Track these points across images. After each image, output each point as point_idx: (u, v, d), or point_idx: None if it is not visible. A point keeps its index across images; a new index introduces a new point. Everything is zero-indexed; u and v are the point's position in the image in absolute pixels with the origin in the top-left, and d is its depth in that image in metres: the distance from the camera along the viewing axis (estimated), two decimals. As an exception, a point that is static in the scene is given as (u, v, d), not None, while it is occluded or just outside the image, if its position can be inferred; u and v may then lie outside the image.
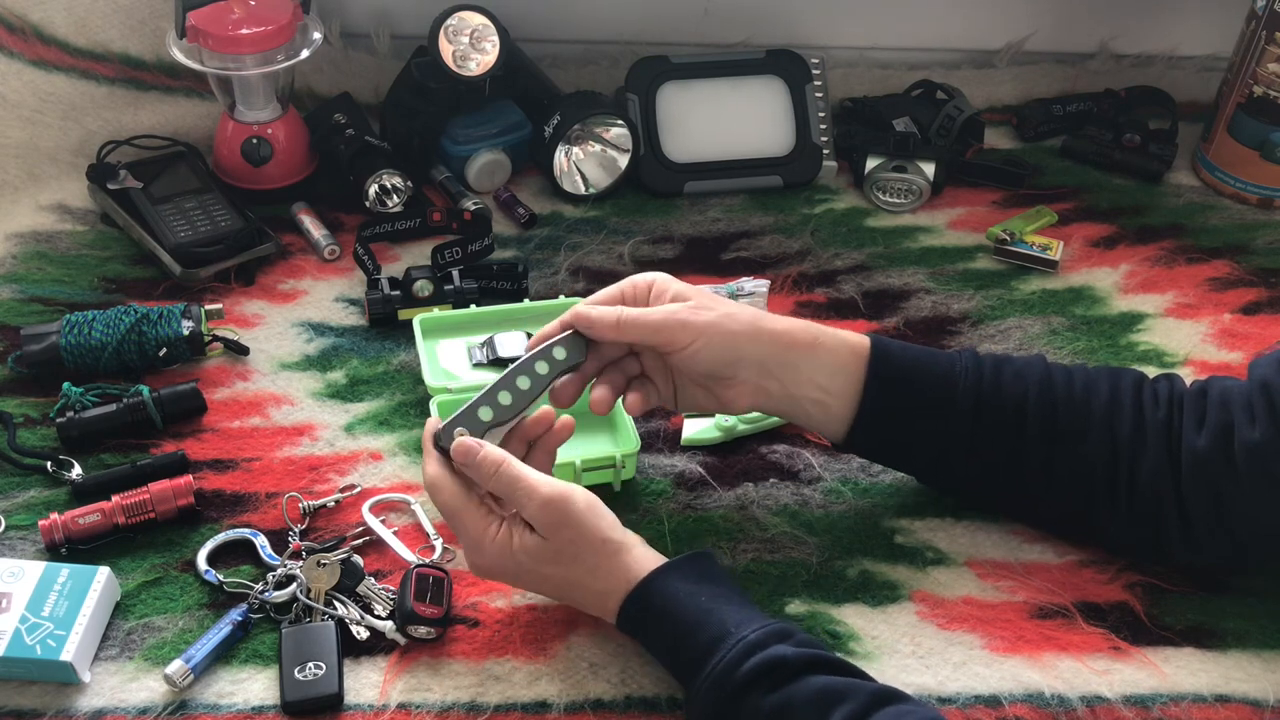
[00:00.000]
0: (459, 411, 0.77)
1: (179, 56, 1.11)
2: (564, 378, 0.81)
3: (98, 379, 0.97)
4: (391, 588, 0.82)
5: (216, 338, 1.00)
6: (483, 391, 0.78)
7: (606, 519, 0.75)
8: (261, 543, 0.85)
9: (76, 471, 0.89)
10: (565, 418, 0.81)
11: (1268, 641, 0.81)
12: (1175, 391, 0.81)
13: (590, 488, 0.88)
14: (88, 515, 0.84)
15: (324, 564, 0.82)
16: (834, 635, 0.80)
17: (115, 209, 1.11)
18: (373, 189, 1.15)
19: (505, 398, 0.78)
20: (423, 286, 1.03)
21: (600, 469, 0.89)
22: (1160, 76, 1.36)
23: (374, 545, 0.86)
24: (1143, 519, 0.80)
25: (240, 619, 0.79)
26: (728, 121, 1.23)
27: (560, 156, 1.19)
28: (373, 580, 0.83)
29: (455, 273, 1.06)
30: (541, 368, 0.80)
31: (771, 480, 0.91)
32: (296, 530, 0.86)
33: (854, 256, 1.15)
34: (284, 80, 1.16)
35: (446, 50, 1.14)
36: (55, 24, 1.18)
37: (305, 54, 1.13)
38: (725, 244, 1.16)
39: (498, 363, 0.96)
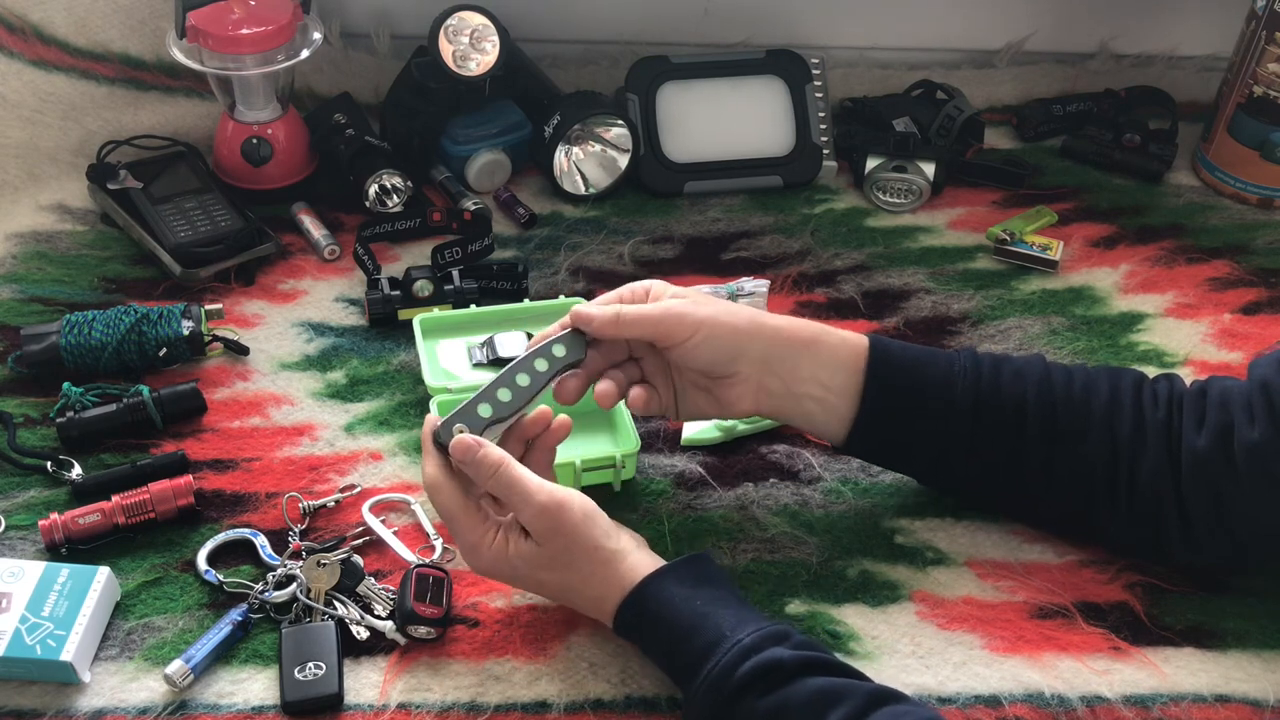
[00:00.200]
0: (458, 408, 0.77)
1: (179, 56, 1.11)
2: (566, 376, 0.81)
3: (98, 379, 0.97)
4: (391, 588, 0.82)
5: (216, 338, 1.00)
6: (482, 389, 0.78)
7: (600, 526, 0.75)
8: (261, 543, 0.85)
9: (76, 471, 0.89)
10: (562, 417, 0.81)
11: (1268, 641, 0.81)
12: (1175, 391, 0.81)
13: (590, 487, 0.89)
14: (88, 515, 0.84)
15: (324, 564, 0.82)
16: (834, 635, 0.80)
17: (115, 209, 1.11)
18: (373, 189, 1.15)
19: (505, 395, 0.78)
20: (423, 286, 1.03)
21: (600, 469, 0.89)
22: (1160, 76, 1.37)
23: (374, 545, 0.86)
24: (1143, 519, 0.80)
25: (240, 619, 0.79)
26: (728, 121, 1.23)
27: (560, 156, 1.19)
28: (373, 580, 0.83)
29: (455, 273, 1.06)
30: (541, 365, 0.79)
31: (771, 480, 0.91)
32: (296, 530, 0.86)
33: (854, 256, 1.15)
34: (284, 80, 1.16)
35: (446, 50, 1.14)
36: (55, 24, 1.18)
37: (305, 54, 1.13)
38: (725, 244, 1.16)
39: (498, 363, 0.96)
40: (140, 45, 1.21)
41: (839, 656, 0.74)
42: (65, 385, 0.94)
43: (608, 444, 0.93)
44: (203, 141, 1.21)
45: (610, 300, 0.82)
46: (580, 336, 0.81)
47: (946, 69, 1.36)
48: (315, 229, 1.13)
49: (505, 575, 0.77)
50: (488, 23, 1.15)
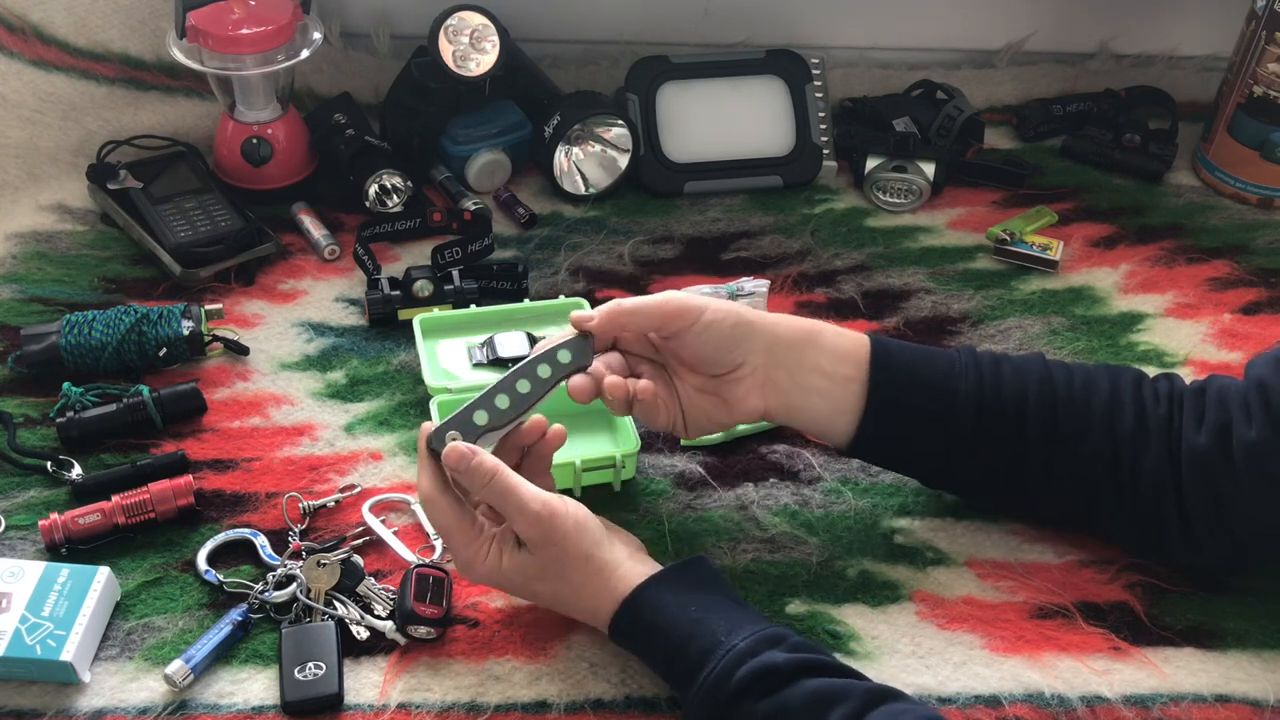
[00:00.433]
0: (453, 414, 0.76)
1: (179, 56, 1.11)
2: (577, 376, 0.79)
3: (98, 379, 0.97)
4: (391, 588, 0.82)
5: (216, 338, 1.00)
6: (480, 394, 0.77)
7: (592, 535, 0.75)
8: (261, 543, 0.85)
9: (76, 471, 0.89)
10: (556, 427, 0.80)
11: (1268, 641, 0.81)
12: (1175, 390, 0.81)
13: (590, 488, 0.89)
14: (88, 515, 0.84)
15: (324, 564, 0.82)
16: (834, 635, 0.80)
17: (115, 209, 1.11)
18: (373, 189, 1.15)
19: (503, 401, 0.77)
20: (423, 286, 1.03)
21: (600, 469, 0.89)
22: (1160, 76, 1.37)
23: (374, 545, 0.86)
24: (1143, 518, 0.80)
25: (240, 619, 0.79)
26: (728, 121, 1.23)
27: (560, 156, 1.19)
28: (373, 580, 0.83)
29: (455, 273, 1.06)
30: (544, 371, 0.78)
31: (771, 480, 0.91)
32: (296, 530, 0.86)
33: (854, 256, 1.15)
34: (284, 80, 1.16)
35: (446, 50, 1.14)
36: (55, 24, 1.18)
37: (305, 54, 1.13)
38: (725, 244, 1.16)
39: (498, 363, 0.96)
40: (140, 45, 1.21)
41: (839, 657, 0.74)
42: (65, 385, 0.94)
43: (608, 444, 0.93)
44: (203, 141, 1.21)
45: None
46: (586, 342, 0.79)
47: (946, 69, 1.36)
48: (315, 229, 1.13)
49: (501, 587, 0.77)
50: (488, 23, 1.15)
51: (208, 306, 1.01)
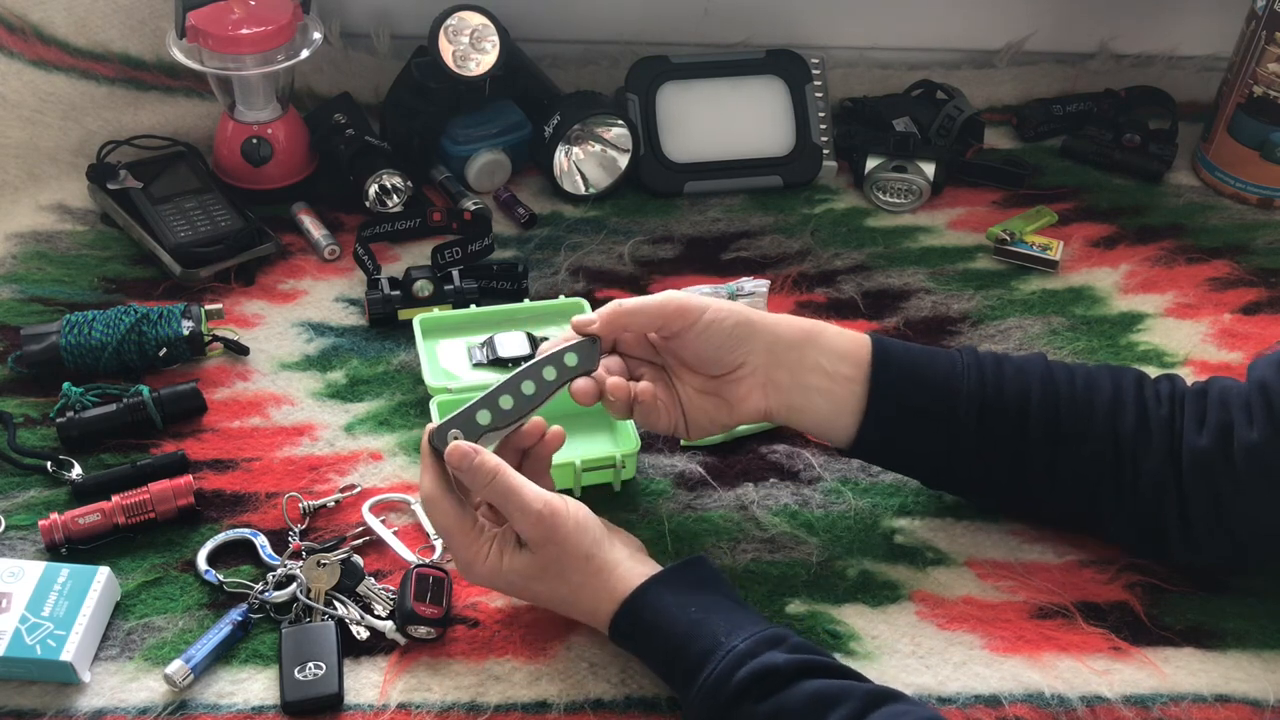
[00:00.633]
0: (457, 413, 0.76)
1: (179, 56, 1.11)
2: (582, 380, 0.79)
3: (98, 379, 0.97)
4: (391, 588, 0.82)
5: (216, 338, 1.00)
6: (484, 394, 0.77)
7: (592, 535, 0.75)
8: (261, 543, 0.85)
9: (76, 471, 0.89)
10: (556, 428, 0.80)
11: (1268, 641, 0.81)
12: (1176, 391, 0.81)
13: (590, 488, 0.89)
14: (88, 515, 0.84)
15: (324, 564, 0.82)
16: (834, 635, 0.80)
17: (115, 209, 1.11)
18: (373, 189, 1.15)
19: (506, 402, 0.77)
20: (423, 286, 1.03)
21: (600, 469, 0.89)
22: (1160, 76, 1.37)
23: (374, 545, 0.86)
24: (1144, 518, 0.80)
25: (240, 619, 0.79)
26: (728, 121, 1.23)
27: (560, 156, 1.19)
28: (373, 580, 0.83)
29: (455, 273, 1.06)
30: (549, 373, 0.78)
31: (771, 480, 0.91)
32: (296, 530, 0.86)
33: (854, 256, 1.15)
34: (284, 80, 1.16)
35: (446, 50, 1.14)
36: (55, 24, 1.18)
37: (305, 54, 1.13)
38: (725, 244, 1.16)
39: (498, 363, 0.96)
40: (140, 45, 1.21)
41: (839, 657, 0.74)
42: (65, 385, 0.94)
43: (608, 444, 0.93)
44: (203, 141, 1.21)
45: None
46: (594, 346, 0.79)
47: (946, 69, 1.36)
48: (315, 229, 1.13)
49: (501, 588, 0.77)
50: (488, 23, 1.15)
51: (208, 306, 1.01)
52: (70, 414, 0.92)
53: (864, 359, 0.80)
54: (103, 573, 0.80)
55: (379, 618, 0.80)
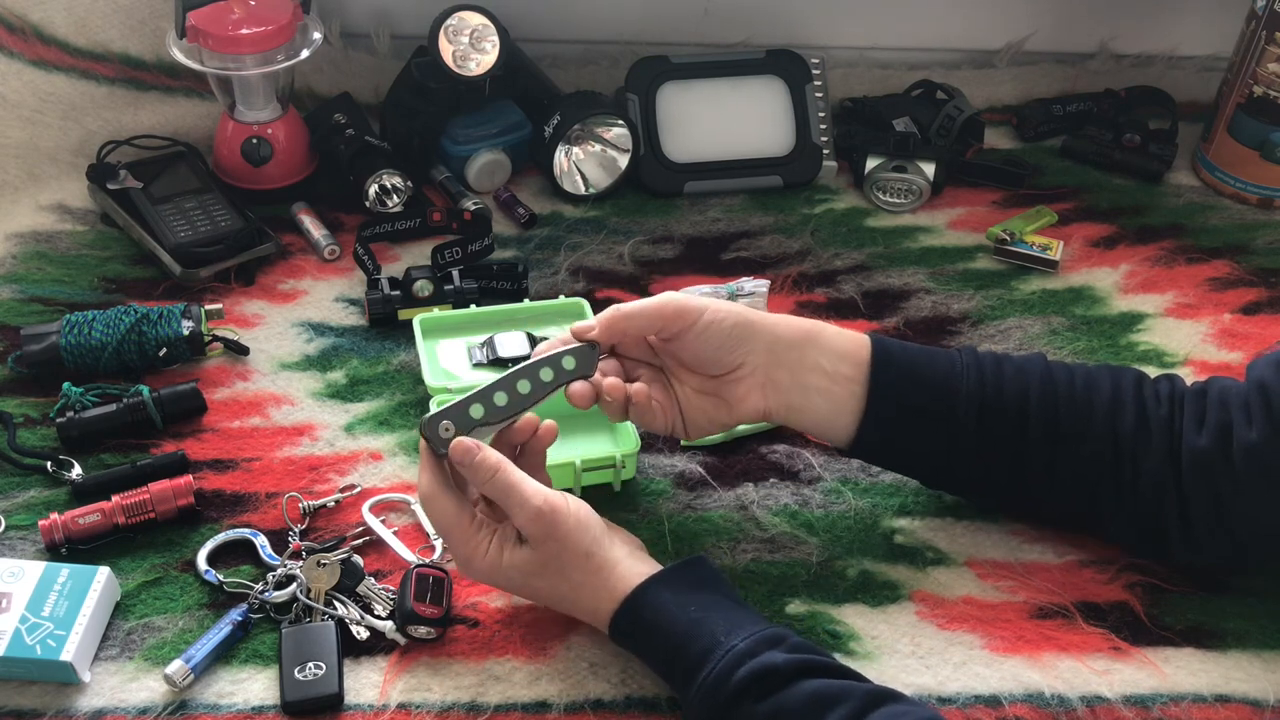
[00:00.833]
0: (450, 404, 0.76)
1: (179, 56, 1.11)
2: (579, 383, 0.79)
3: (98, 379, 0.97)
4: (391, 588, 0.82)
5: (216, 338, 1.00)
6: (479, 388, 0.77)
7: (592, 533, 0.75)
8: (261, 543, 0.85)
9: (76, 471, 0.89)
10: (548, 423, 0.80)
11: (1268, 641, 0.81)
12: (1176, 391, 0.81)
13: (590, 488, 0.89)
14: (88, 515, 0.84)
15: (324, 564, 0.82)
16: (834, 635, 0.80)
17: (115, 209, 1.11)
18: (373, 189, 1.15)
19: (501, 399, 0.77)
20: (423, 286, 1.03)
21: (600, 469, 0.89)
22: (1160, 76, 1.37)
23: (374, 545, 0.86)
24: (1144, 518, 0.80)
25: (240, 619, 0.79)
26: (728, 121, 1.23)
27: (560, 156, 1.19)
28: (373, 580, 0.83)
29: (455, 273, 1.06)
30: (546, 375, 0.78)
31: (771, 480, 0.91)
32: (296, 530, 0.86)
33: (854, 256, 1.15)
34: (284, 80, 1.16)
35: (446, 50, 1.14)
36: (55, 24, 1.18)
37: (305, 54, 1.13)
38: (725, 244, 1.16)
39: (498, 363, 0.96)
40: (140, 45, 1.21)
41: (839, 657, 0.74)
42: (65, 385, 0.94)
43: (608, 444, 0.93)
44: (203, 141, 1.21)
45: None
46: (593, 351, 0.79)
47: (946, 69, 1.36)
48: (315, 229, 1.13)
49: (500, 584, 0.77)
50: (488, 23, 1.15)
51: (208, 306, 1.01)
52: (70, 414, 0.92)
53: (864, 359, 0.80)
54: (103, 573, 0.80)
55: (379, 618, 0.80)
